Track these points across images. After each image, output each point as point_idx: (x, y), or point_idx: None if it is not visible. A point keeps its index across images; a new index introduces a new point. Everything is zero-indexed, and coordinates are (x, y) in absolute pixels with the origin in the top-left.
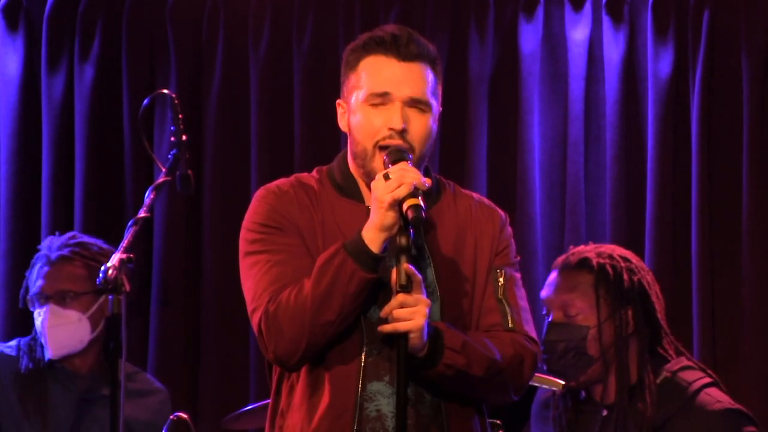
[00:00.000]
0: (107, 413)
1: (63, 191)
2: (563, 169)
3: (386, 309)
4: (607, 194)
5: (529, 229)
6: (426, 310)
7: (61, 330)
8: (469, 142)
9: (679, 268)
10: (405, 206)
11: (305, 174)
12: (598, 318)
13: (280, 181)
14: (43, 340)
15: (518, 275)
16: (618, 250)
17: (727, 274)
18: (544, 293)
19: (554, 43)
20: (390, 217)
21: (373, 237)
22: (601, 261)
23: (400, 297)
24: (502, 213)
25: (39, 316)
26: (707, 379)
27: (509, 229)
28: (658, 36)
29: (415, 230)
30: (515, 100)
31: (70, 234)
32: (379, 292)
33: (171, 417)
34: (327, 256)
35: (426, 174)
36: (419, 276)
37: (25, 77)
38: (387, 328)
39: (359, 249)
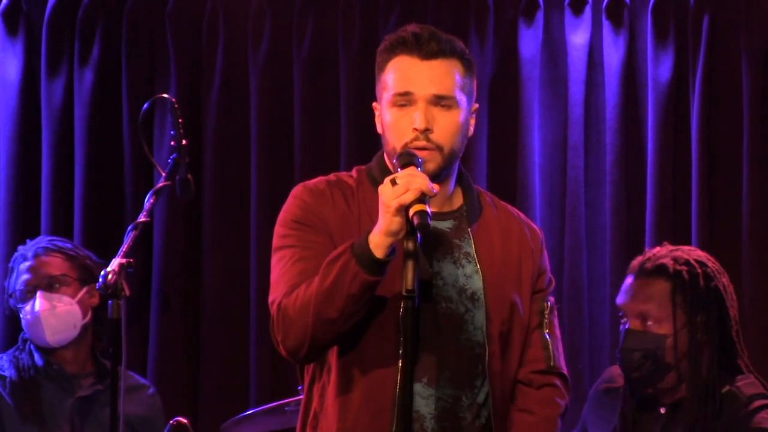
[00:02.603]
0: (104, 410)
1: (62, 195)
2: (563, 174)
3: None
4: (607, 198)
5: None
6: None
7: (55, 315)
8: (468, 146)
9: None
10: (411, 212)
11: (344, 173)
12: (674, 326)
13: (318, 179)
14: (35, 333)
15: (553, 299)
16: (695, 253)
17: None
18: (621, 299)
19: (554, 47)
20: (396, 222)
21: (378, 241)
22: (678, 267)
23: None
24: (540, 232)
25: (29, 308)
26: None
27: (545, 250)
28: (658, 40)
29: (423, 237)
30: (515, 105)
31: (39, 237)
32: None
33: (171, 422)
34: (334, 254)
35: (461, 178)
36: None
37: (25, 82)
38: None
39: (364, 252)
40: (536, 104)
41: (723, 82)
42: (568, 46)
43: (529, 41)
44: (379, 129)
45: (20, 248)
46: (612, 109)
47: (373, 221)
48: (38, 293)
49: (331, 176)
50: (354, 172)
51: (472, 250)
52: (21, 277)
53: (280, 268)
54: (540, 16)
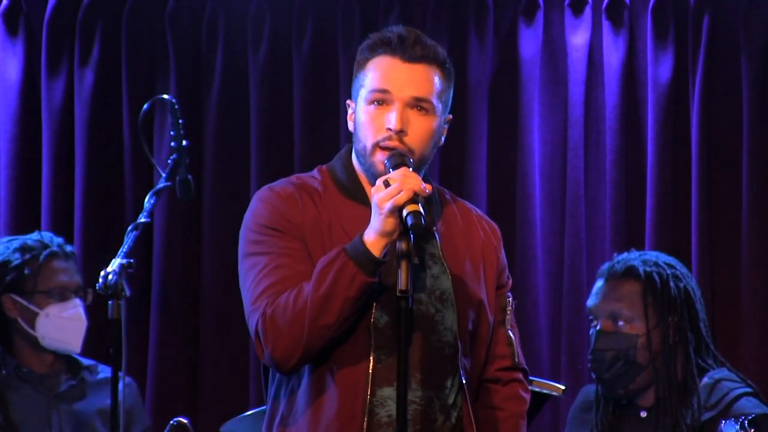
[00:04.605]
0: (79, 403)
1: (63, 196)
2: (563, 174)
3: None
4: (607, 198)
5: (528, 233)
6: None
7: (84, 325)
8: (469, 147)
9: None
10: (405, 212)
11: (306, 175)
12: (646, 326)
13: (283, 182)
14: (67, 337)
15: (511, 296)
16: (663, 257)
17: (727, 277)
18: (591, 302)
19: (554, 47)
20: (390, 223)
21: (374, 242)
22: (648, 269)
23: None
24: (497, 227)
25: (57, 311)
26: (748, 389)
27: (503, 247)
28: (658, 40)
29: (416, 237)
30: (515, 105)
31: (50, 234)
32: (385, 296)
33: (171, 422)
34: (328, 259)
35: (425, 180)
36: None
37: (25, 82)
38: None
39: (360, 253)
40: (536, 104)
41: (723, 82)
42: (568, 47)
43: (529, 41)
44: (350, 127)
45: (38, 237)
46: (612, 109)
47: (343, 226)
48: (77, 300)
49: (294, 178)
50: (317, 173)
51: (438, 250)
52: (57, 276)
53: (253, 276)
54: (540, 16)
